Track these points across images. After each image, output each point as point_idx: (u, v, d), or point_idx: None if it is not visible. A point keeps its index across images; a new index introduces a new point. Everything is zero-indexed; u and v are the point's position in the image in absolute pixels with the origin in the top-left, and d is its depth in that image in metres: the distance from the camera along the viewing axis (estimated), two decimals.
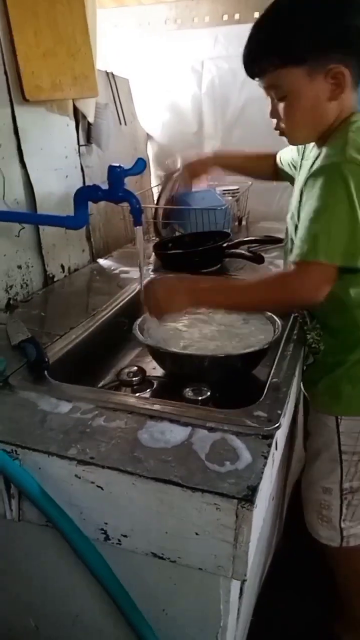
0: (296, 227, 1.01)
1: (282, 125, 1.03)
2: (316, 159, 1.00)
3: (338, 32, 0.91)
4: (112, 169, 1.06)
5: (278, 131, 1.05)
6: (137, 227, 1.10)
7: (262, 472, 0.72)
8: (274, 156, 1.39)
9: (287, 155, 1.32)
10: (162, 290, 1.04)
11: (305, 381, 1.18)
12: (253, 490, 0.68)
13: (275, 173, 1.39)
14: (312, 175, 0.94)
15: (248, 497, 0.67)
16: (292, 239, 1.06)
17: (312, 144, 1.10)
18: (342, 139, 0.94)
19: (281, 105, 0.99)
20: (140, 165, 1.09)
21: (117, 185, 1.07)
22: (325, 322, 1.10)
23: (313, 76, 0.93)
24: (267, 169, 1.40)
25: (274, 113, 1.02)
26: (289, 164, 1.31)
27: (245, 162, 1.47)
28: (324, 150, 0.98)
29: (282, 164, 1.34)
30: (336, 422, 1.10)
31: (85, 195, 1.11)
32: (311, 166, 1.01)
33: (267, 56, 0.96)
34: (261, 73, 0.98)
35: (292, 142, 1.09)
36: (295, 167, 1.24)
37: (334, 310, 1.04)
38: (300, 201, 1.01)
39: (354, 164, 0.89)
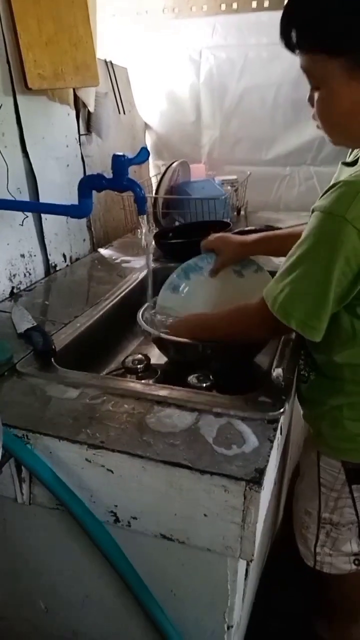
0: None
1: (317, 120, 0.87)
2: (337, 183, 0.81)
3: None
4: (116, 158, 1.07)
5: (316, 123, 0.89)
6: (142, 215, 1.11)
7: (269, 455, 0.74)
8: None
9: None
10: (178, 326, 1.13)
11: (298, 397, 1.13)
12: (260, 472, 0.70)
13: None
14: (316, 210, 0.82)
15: (256, 479, 0.69)
16: None
17: None
18: (352, 188, 0.78)
19: (316, 96, 0.84)
20: (144, 155, 1.09)
21: (121, 174, 1.08)
22: (312, 357, 1.03)
23: (353, 75, 0.76)
24: None
25: (310, 99, 0.86)
26: None
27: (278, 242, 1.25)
28: (344, 182, 0.80)
29: None
30: (317, 455, 1.06)
31: (90, 184, 1.12)
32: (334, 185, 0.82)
33: (301, 30, 0.79)
34: (294, 48, 0.81)
35: (332, 141, 0.91)
36: None
37: (317, 351, 0.99)
38: None
39: (348, 229, 0.76)
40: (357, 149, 0.94)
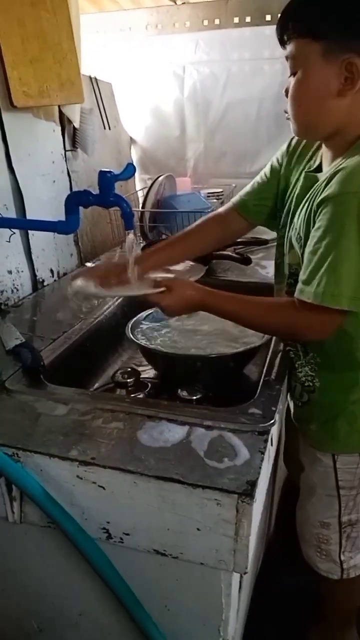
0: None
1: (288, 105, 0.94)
2: (333, 175, 0.87)
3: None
4: (102, 174, 1.07)
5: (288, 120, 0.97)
6: (129, 231, 1.11)
7: (260, 467, 0.74)
8: (228, 211, 1.23)
9: (258, 188, 1.18)
10: (176, 295, 0.97)
11: (298, 419, 1.15)
12: (252, 484, 0.71)
13: (241, 225, 1.24)
14: (327, 200, 0.85)
15: (248, 492, 0.69)
16: (299, 262, 0.97)
17: (319, 158, 1.02)
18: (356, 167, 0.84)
19: (291, 81, 0.91)
20: (130, 170, 1.10)
21: (108, 190, 1.08)
22: (324, 357, 1.03)
23: (328, 58, 0.85)
24: (226, 228, 1.24)
25: (287, 90, 0.94)
26: (267, 196, 1.16)
27: (183, 244, 1.24)
28: (342, 170, 0.86)
29: (249, 204, 1.19)
30: (333, 458, 1.07)
31: (77, 200, 1.12)
32: (327, 183, 0.88)
33: (293, 22, 0.88)
34: (284, 39, 0.90)
35: (295, 130, 0.98)
36: (282, 190, 1.12)
37: (337, 345, 0.98)
38: (308, 220, 0.94)
39: None
40: (314, 159, 1.03)
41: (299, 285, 0.88)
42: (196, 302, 0.97)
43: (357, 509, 1.10)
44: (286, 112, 0.96)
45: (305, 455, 1.16)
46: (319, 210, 0.87)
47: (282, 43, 0.91)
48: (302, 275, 0.88)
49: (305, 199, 0.97)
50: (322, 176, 0.94)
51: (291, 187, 1.07)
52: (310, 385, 1.06)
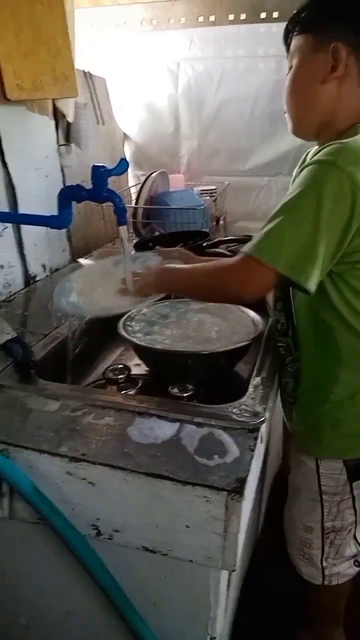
0: None
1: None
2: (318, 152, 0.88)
3: (349, 7, 0.87)
4: (95, 169, 1.06)
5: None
6: (121, 226, 1.11)
7: (250, 465, 0.74)
8: None
9: None
10: (142, 276, 1.06)
11: (288, 418, 1.14)
12: (242, 482, 0.71)
13: None
14: (306, 164, 0.84)
15: (237, 489, 0.69)
16: None
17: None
18: (343, 143, 0.83)
19: (287, 78, 0.95)
20: (123, 166, 1.09)
21: (100, 185, 1.07)
22: (308, 351, 1.02)
23: (317, 49, 0.89)
24: None
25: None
26: None
27: None
28: (327, 145, 0.85)
29: None
30: (316, 462, 1.05)
31: (69, 195, 1.12)
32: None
33: (292, 22, 0.94)
34: (285, 38, 0.96)
35: (290, 128, 1.00)
36: None
37: (324, 339, 0.97)
38: None
39: (339, 171, 0.78)
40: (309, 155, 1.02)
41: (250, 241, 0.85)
42: (151, 281, 1.01)
43: (342, 517, 1.08)
44: (285, 111, 0.99)
45: (292, 456, 1.16)
46: (294, 178, 0.89)
47: (286, 43, 0.96)
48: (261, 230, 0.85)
49: None
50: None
51: None
52: (293, 386, 1.05)
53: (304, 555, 1.14)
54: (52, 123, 1.62)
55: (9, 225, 1.40)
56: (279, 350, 1.09)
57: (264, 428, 0.85)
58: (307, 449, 1.08)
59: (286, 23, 0.96)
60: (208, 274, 0.94)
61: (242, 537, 0.74)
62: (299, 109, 0.96)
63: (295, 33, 0.93)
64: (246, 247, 0.84)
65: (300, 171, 0.85)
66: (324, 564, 1.12)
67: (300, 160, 1.06)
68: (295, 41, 0.93)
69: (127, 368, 1.13)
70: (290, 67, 0.95)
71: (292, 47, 0.94)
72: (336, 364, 0.97)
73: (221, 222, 2.23)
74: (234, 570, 0.77)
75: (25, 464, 0.79)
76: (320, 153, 0.83)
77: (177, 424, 0.84)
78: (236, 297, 0.94)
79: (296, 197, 0.81)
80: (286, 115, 0.98)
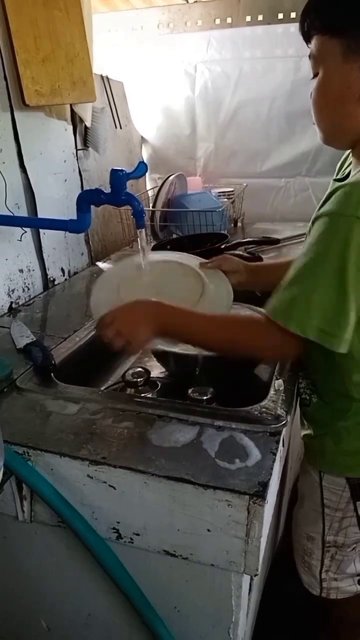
0: None
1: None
2: (335, 191, 0.80)
3: None
4: (114, 173, 1.07)
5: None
6: (140, 229, 1.11)
7: (272, 468, 0.74)
8: None
9: None
10: (125, 316, 0.90)
11: (300, 421, 1.09)
12: (264, 486, 0.70)
13: None
14: (320, 217, 0.79)
15: (259, 493, 0.69)
16: None
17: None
18: None
19: (313, 84, 0.85)
20: (142, 169, 1.10)
21: (119, 189, 1.08)
22: (318, 380, 0.98)
23: (348, 58, 0.78)
24: None
25: (311, 95, 0.88)
26: None
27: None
28: (342, 187, 0.78)
29: None
30: (320, 475, 1.02)
31: (88, 199, 1.12)
32: (327, 198, 0.82)
33: (311, 16, 0.82)
34: (307, 36, 0.84)
35: (320, 137, 0.91)
36: None
37: (331, 376, 0.92)
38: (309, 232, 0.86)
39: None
40: (347, 165, 0.95)
41: (272, 301, 0.82)
42: (149, 315, 0.89)
43: (345, 534, 1.04)
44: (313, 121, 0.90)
45: (301, 463, 1.13)
46: (312, 227, 0.81)
47: (307, 39, 0.85)
48: (279, 291, 0.81)
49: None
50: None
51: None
52: (306, 399, 1.01)
53: (305, 564, 1.12)
54: (70, 128, 1.63)
55: (28, 229, 1.41)
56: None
57: (285, 431, 0.84)
58: (312, 461, 1.05)
59: (302, 13, 0.84)
60: (229, 330, 0.89)
61: (264, 542, 0.73)
62: (332, 125, 0.88)
63: (317, 31, 0.82)
64: (271, 310, 0.81)
65: (316, 218, 0.80)
66: (323, 576, 1.09)
67: (337, 167, 1.01)
68: (319, 42, 0.82)
69: (146, 371, 1.13)
70: (316, 74, 0.84)
71: (315, 48, 0.83)
72: (349, 398, 0.92)
73: (239, 223, 2.22)
74: (256, 575, 0.76)
75: (46, 467, 0.79)
76: (335, 202, 0.78)
77: (198, 427, 0.83)
78: (261, 358, 0.99)
79: (318, 258, 0.77)
80: (316, 126, 0.90)
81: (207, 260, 1.19)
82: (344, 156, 1.00)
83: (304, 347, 0.82)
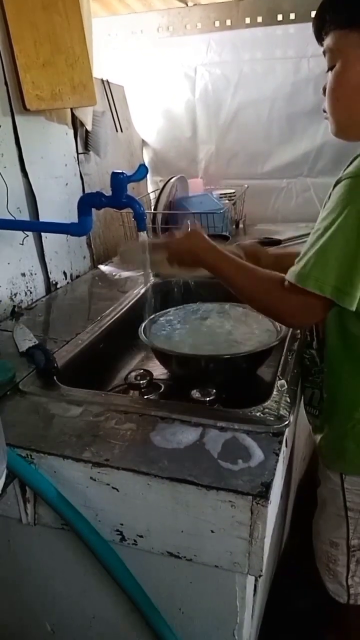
0: None
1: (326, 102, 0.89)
2: (355, 159, 0.83)
3: None
4: (115, 176, 1.07)
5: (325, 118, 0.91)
6: (141, 232, 1.11)
7: (275, 469, 0.73)
8: None
9: None
10: (187, 240, 1.00)
11: (314, 431, 1.11)
12: (267, 486, 0.70)
13: None
14: (340, 180, 0.80)
15: (262, 494, 0.69)
16: None
17: None
18: None
19: (329, 76, 0.87)
20: (142, 171, 1.10)
21: (120, 192, 1.08)
22: (333, 367, 0.99)
23: None
24: None
25: (324, 89, 0.89)
26: None
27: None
28: None
29: None
30: (341, 478, 1.02)
31: (89, 202, 1.13)
32: (348, 166, 0.83)
33: (330, 13, 0.84)
34: (321, 34, 0.87)
35: (332, 129, 0.91)
36: None
37: (347, 351, 0.94)
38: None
39: None
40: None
41: (295, 264, 0.82)
42: (197, 250, 0.97)
43: None
44: (325, 111, 0.90)
45: (319, 470, 1.12)
46: (332, 191, 0.82)
47: (319, 39, 0.87)
48: (301, 254, 0.82)
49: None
50: None
51: None
52: (321, 400, 1.03)
53: (330, 572, 1.11)
54: (71, 132, 1.64)
55: (30, 233, 1.42)
56: (304, 361, 1.07)
57: (288, 432, 0.84)
58: (331, 464, 1.05)
59: (317, 11, 0.86)
60: (258, 286, 0.91)
61: (268, 542, 0.73)
62: (349, 116, 0.88)
63: (335, 26, 0.84)
64: (291, 273, 0.81)
65: (337, 182, 0.81)
66: (350, 582, 1.08)
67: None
68: (337, 37, 0.84)
69: (149, 373, 1.13)
70: (332, 67, 0.86)
71: (332, 42, 0.85)
72: None
73: (241, 225, 2.23)
74: (260, 576, 0.75)
75: (49, 470, 0.79)
76: (356, 165, 0.79)
77: (200, 429, 0.83)
78: (286, 324, 1.05)
79: (337, 218, 0.77)
80: (327, 116, 0.91)
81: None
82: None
83: (324, 313, 0.83)
